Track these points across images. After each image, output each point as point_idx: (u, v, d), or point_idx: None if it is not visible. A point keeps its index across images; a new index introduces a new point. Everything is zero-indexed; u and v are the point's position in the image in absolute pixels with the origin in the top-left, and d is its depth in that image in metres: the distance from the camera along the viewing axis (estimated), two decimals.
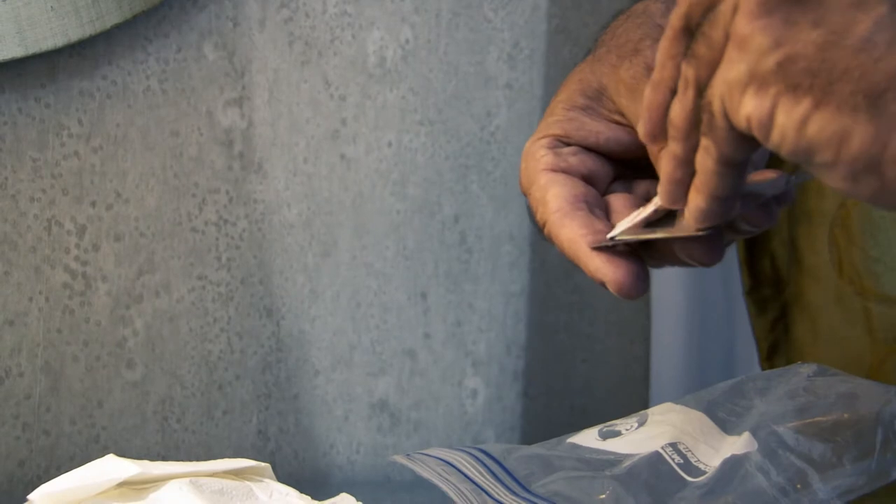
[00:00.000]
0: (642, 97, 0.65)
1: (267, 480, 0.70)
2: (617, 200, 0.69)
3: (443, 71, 1.12)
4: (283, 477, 0.73)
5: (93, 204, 0.99)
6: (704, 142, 0.56)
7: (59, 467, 0.99)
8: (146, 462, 0.68)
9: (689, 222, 0.60)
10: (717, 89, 0.55)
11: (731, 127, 0.54)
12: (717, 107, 0.55)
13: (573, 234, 0.65)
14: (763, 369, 0.99)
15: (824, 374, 0.71)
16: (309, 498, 0.69)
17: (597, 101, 0.69)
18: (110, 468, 0.67)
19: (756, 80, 0.52)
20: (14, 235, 0.97)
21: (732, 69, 0.53)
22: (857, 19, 0.50)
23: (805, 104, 0.51)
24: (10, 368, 0.97)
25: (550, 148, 0.68)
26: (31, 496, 0.66)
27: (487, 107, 1.14)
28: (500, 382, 1.18)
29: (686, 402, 0.72)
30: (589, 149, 0.69)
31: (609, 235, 0.65)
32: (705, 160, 0.57)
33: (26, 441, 0.98)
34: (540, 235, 0.68)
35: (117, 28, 0.97)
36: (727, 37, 0.54)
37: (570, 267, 0.67)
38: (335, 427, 1.11)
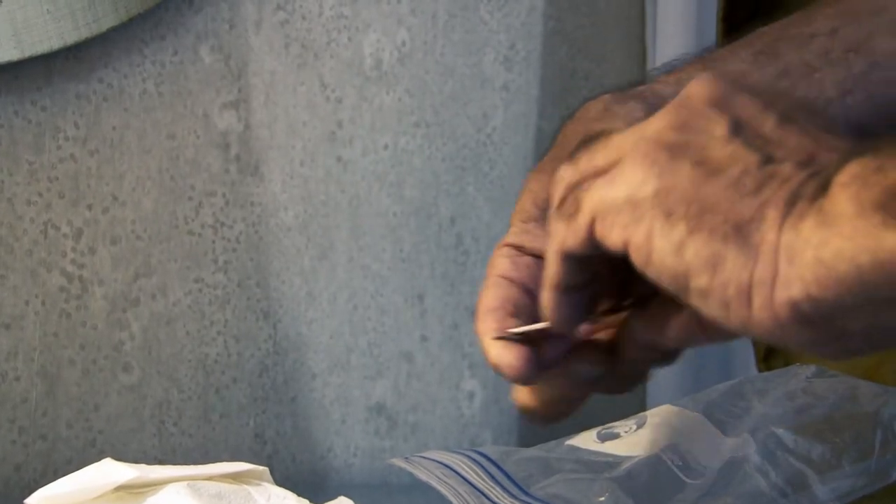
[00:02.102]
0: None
1: (265, 484, 0.70)
2: None
3: (439, 73, 1.12)
4: (281, 480, 0.72)
5: (89, 207, 0.99)
6: (553, 224, 0.59)
7: (55, 472, 0.98)
8: (143, 466, 0.67)
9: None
10: (591, 198, 0.57)
11: (588, 227, 0.57)
12: (584, 207, 0.57)
13: (485, 327, 0.67)
14: (760, 371, 0.99)
15: (823, 376, 0.71)
16: (307, 501, 0.69)
17: (546, 209, 0.70)
18: (107, 472, 0.66)
19: (631, 206, 0.56)
20: (10, 239, 0.97)
21: (611, 190, 0.56)
22: (731, 165, 0.55)
23: (680, 229, 0.54)
24: (6, 372, 0.97)
25: (508, 256, 0.70)
26: (28, 501, 0.66)
27: (484, 108, 1.14)
28: (497, 385, 1.17)
29: (684, 404, 0.72)
30: None
31: (510, 330, 0.66)
32: (551, 244, 0.60)
33: (22, 445, 0.98)
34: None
35: (113, 31, 0.97)
36: (614, 161, 0.57)
37: None
38: (332, 430, 1.10)
